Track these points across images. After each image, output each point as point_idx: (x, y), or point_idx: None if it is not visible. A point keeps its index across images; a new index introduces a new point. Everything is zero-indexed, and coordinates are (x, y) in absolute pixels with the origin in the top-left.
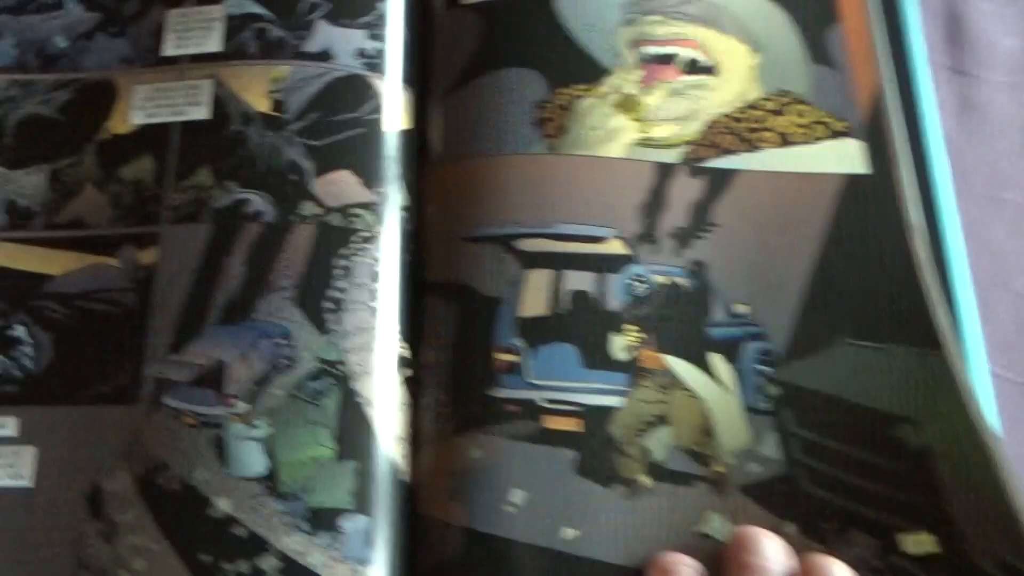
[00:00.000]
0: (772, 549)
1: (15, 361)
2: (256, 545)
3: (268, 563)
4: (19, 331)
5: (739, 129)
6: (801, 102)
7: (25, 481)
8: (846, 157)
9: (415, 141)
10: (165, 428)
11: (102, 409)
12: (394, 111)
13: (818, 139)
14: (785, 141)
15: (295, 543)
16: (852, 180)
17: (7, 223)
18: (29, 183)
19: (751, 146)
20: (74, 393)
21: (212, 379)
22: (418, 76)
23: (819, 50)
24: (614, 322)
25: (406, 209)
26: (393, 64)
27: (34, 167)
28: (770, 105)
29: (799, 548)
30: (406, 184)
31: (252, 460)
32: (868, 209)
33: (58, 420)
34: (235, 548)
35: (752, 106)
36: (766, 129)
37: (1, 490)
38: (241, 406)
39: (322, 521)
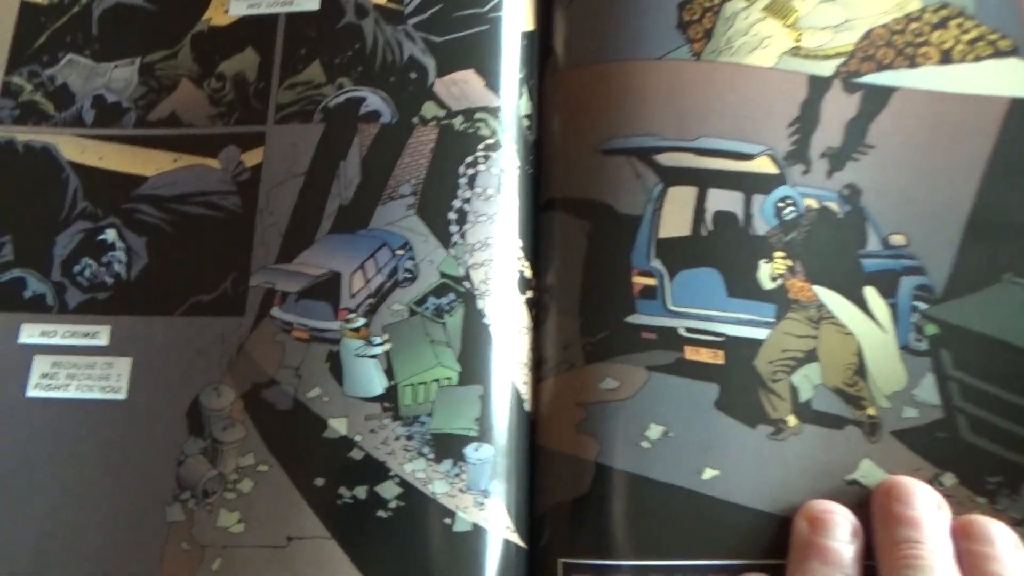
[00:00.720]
0: (925, 500)
1: (106, 267)
2: (375, 470)
3: (387, 490)
4: (110, 235)
5: (897, 42)
6: (963, 15)
7: (120, 394)
8: (1012, 78)
9: (538, 44)
10: (274, 342)
11: (202, 320)
12: (519, 8)
13: (981, 58)
14: (946, 58)
15: (417, 470)
16: (1018, 104)
17: (95, 119)
18: (118, 76)
19: (910, 62)
20: (171, 303)
21: (326, 291)
22: None
23: None
24: (761, 247)
25: (529, 117)
26: None
27: (124, 60)
28: (930, 17)
29: (957, 501)
30: (529, 91)
31: (370, 379)
32: None
33: (154, 331)
34: (352, 473)
35: (911, 17)
36: (926, 44)
37: (95, 402)
38: (358, 320)
39: (445, 448)
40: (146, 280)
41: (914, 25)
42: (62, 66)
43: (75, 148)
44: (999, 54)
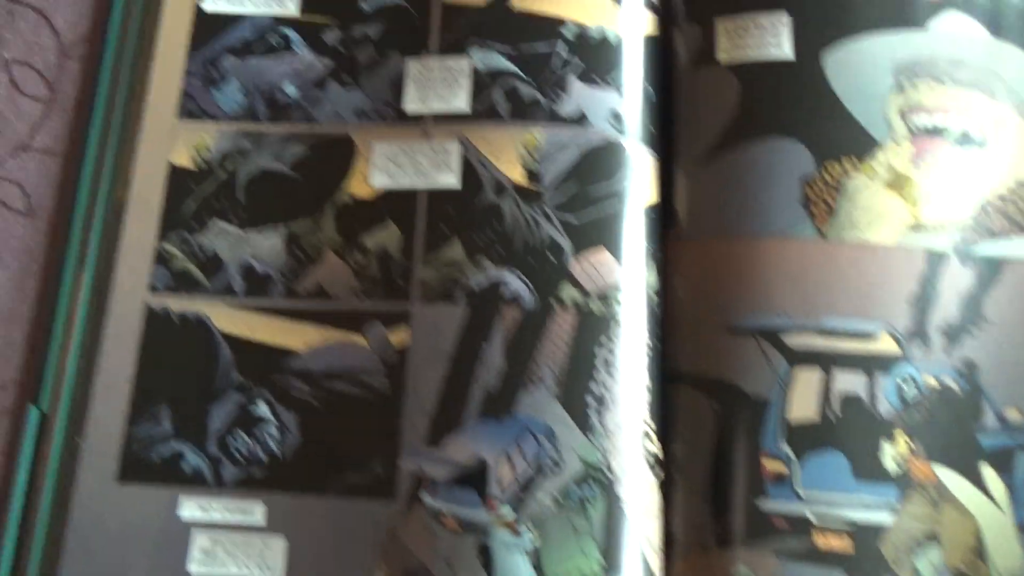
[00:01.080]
0: None
1: (260, 442)
2: None
3: None
4: (262, 409)
5: (1011, 211)
6: None
7: (275, 575)
8: None
9: (661, 214)
10: (425, 529)
11: (355, 502)
12: (646, 182)
13: None
14: None
15: None
16: None
17: (244, 289)
18: (265, 246)
19: (1021, 230)
20: (324, 482)
21: (474, 479)
22: (662, 141)
23: None
24: (885, 429)
25: (657, 292)
26: (634, 127)
27: (269, 228)
28: None
29: None
30: (655, 262)
31: (520, 572)
32: None
33: (308, 510)
34: None
35: (1021, 183)
36: None
37: None
38: (506, 511)
39: None
40: (299, 457)
41: None
42: (211, 233)
43: (227, 319)
44: None
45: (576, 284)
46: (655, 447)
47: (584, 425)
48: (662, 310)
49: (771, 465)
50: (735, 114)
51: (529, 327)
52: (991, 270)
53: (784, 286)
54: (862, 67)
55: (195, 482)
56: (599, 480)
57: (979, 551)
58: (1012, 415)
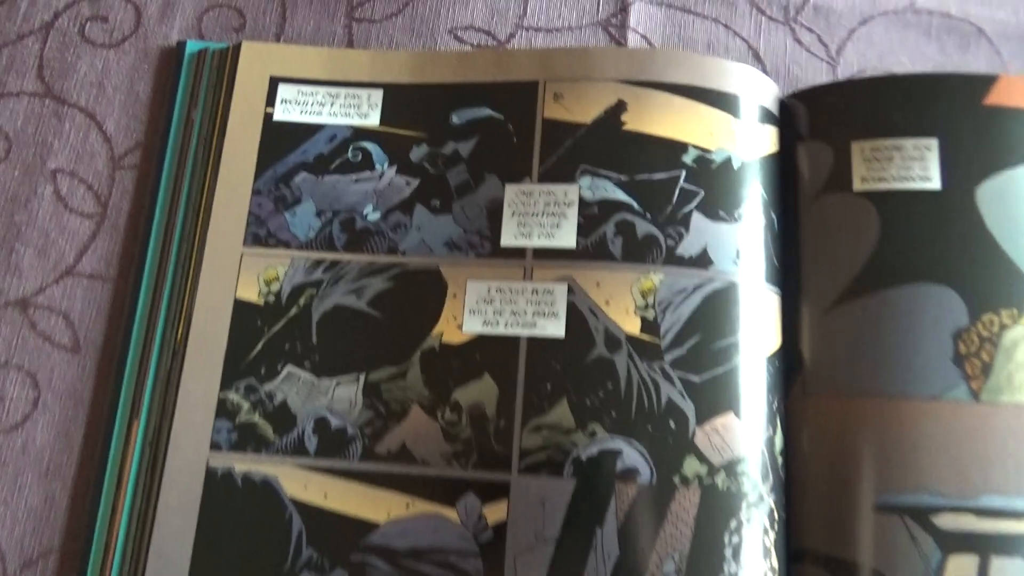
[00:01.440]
0: None
1: None
2: None
3: None
4: None
5: None
6: None
7: None
8: None
9: (783, 360)
10: None
11: None
12: (770, 328)
13: None
14: None
15: None
16: None
17: (318, 447)
18: (341, 396)
19: None
20: None
21: None
22: (785, 279)
23: None
24: None
25: (782, 454)
26: (758, 265)
27: (347, 376)
28: None
29: None
30: (780, 420)
31: None
32: None
33: None
34: None
35: None
36: None
37: None
38: None
39: None
40: None
41: None
42: (280, 381)
43: (298, 483)
44: None
45: (700, 456)
46: None
47: None
48: (787, 473)
49: None
50: (874, 252)
51: (648, 508)
52: None
53: (935, 457)
54: (1020, 201)
55: None
56: None
57: None
58: None
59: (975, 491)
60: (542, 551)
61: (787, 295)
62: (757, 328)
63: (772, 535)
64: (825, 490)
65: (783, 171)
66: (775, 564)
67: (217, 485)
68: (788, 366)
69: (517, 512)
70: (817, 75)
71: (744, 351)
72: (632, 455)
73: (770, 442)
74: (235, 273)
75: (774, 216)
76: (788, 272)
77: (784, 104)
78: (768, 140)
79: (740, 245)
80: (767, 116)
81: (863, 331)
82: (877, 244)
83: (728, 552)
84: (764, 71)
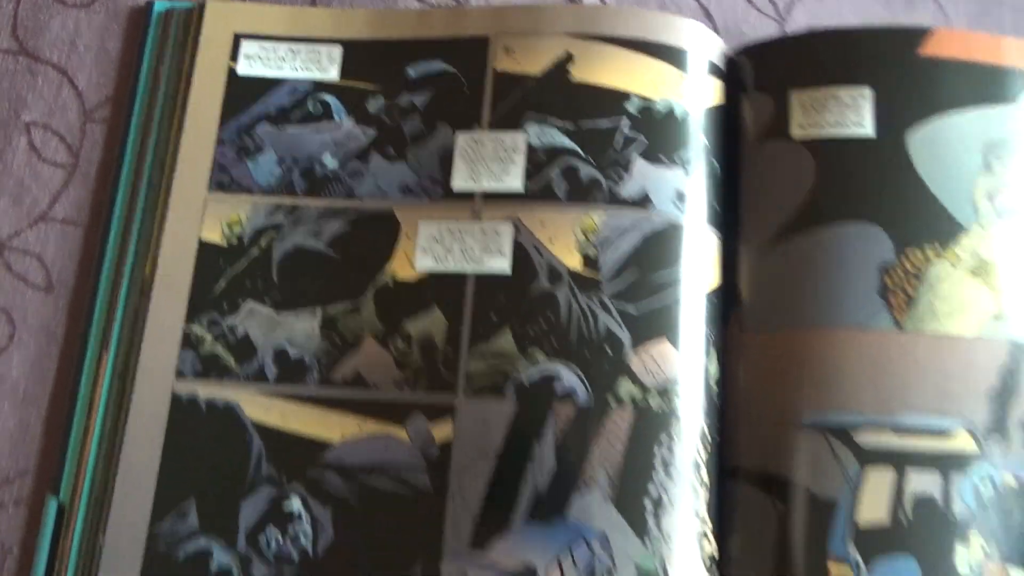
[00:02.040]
0: None
1: (292, 540)
2: None
3: None
4: (295, 504)
5: None
6: None
7: None
8: None
9: (724, 300)
10: None
11: None
12: (708, 265)
13: None
14: None
15: None
16: None
17: (277, 375)
18: (300, 329)
19: None
20: None
21: None
22: (726, 221)
23: None
24: (959, 531)
25: (718, 382)
26: (699, 207)
27: (305, 310)
28: None
29: None
30: (716, 352)
31: None
32: None
33: None
34: None
35: None
36: None
37: None
38: None
39: None
40: (332, 558)
41: None
42: (242, 315)
43: (258, 407)
44: None
45: (635, 379)
46: (712, 547)
47: (640, 530)
48: (722, 400)
49: (837, 570)
50: (809, 194)
51: (583, 425)
52: None
53: (857, 381)
54: (949, 146)
55: None
56: None
57: None
58: None
59: (894, 411)
60: (484, 466)
61: (729, 238)
62: (695, 266)
63: (704, 454)
64: (757, 413)
65: (728, 122)
66: (705, 479)
67: (182, 410)
68: (727, 304)
69: (461, 431)
70: (766, 33)
71: (681, 286)
72: (570, 378)
73: (705, 370)
74: (200, 217)
75: (716, 164)
76: (730, 217)
77: (730, 59)
78: (713, 92)
79: (681, 189)
80: (713, 70)
81: (796, 268)
82: (812, 187)
83: (659, 466)
84: (714, 29)
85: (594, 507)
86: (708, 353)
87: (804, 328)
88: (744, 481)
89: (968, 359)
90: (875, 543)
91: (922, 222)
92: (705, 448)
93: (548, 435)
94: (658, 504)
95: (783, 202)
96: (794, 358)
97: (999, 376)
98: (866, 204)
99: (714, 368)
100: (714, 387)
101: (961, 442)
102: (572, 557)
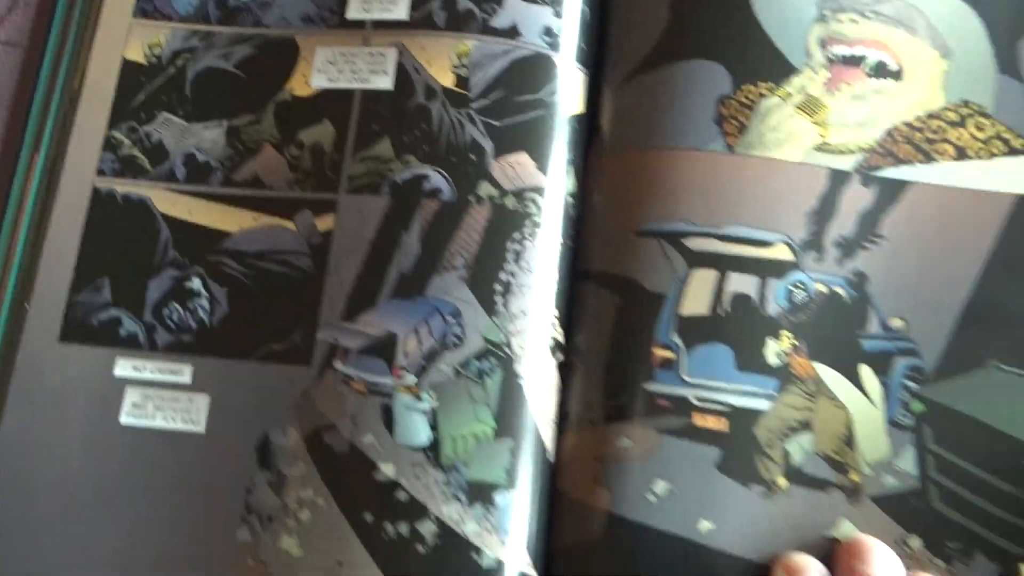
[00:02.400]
0: (882, 562)
1: (192, 312)
2: (416, 510)
3: (426, 528)
4: (195, 283)
5: (917, 139)
6: (983, 114)
7: (198, 427)
8: (1021, 176)
9: (586, 126)
10: (335, 391)
11: (274, 367)
12: (573, 94)
13: (994, 155)
14: (961, 155)
15: (452, 512)
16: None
17: (186, 176)
18: (207, 137)
19: (927, 158)
20: (247, 348)
21: (383, 350)
22: (594, 58)
23: (1008, 61)
24: (771, 327)
25: (573, 195)
26: (570, 44)
27: (213, 121)
28: (951, 116)
29: (920, 562)
30: (574, 169)
31: (417, 431)
32: None
33: (231, 372)
34: (396, 510)
35: (933, 115)
36: (944, 140)
37: (177, 433)
38: (409, 378)
39: (478, 494)
40: (226, 327)
41: (934, 123)
42: (158, 124)
43: (167, 202)
44: (1012, 152)
45: (493, 182)
46: (557, 333)
47: (489, 308)
48: (578, 213)
49: (661, 353)
50: (662, 35)
51: (446, 218)
52: (892, 191)
53: (691, 195)
54: None
55: (130, 345)
56: (499, 356)
57: (848, 440)
58: (895, 323)
59: (721, 223)
60: (359, 250)
61: (596, 78)
62: (558, 93)
63: (554, 253)
64: (606, 223)
65: None
66: (553, 273)
67: (101, 202)
68: (590, 133)
69: (342, 222)
70: None
71: (543, 107)
72: (437, 179)
73: (560, 182)
74: (125, 39)
75: (587, 9)
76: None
77: None
78: None
79: (549, 25)
80: None
81: (645, 99)
82: (664, 29)
83: (510, 257)
84: None
85: (450, 287)
86: (568, 172)
87: (648, 149)
88: (592, 282)
89: (790, 182)
90: (695, 332)
91: (758, 62)
92: (556, 249)
93: (415, 226)
94: (507, 288)
95: (640, 43)
96: (638, 175)
97: (818, 199)
98: (710, 45)
99: (571, 183)
100: (569, 199)
101: (779, 252)
102: (428, 326)
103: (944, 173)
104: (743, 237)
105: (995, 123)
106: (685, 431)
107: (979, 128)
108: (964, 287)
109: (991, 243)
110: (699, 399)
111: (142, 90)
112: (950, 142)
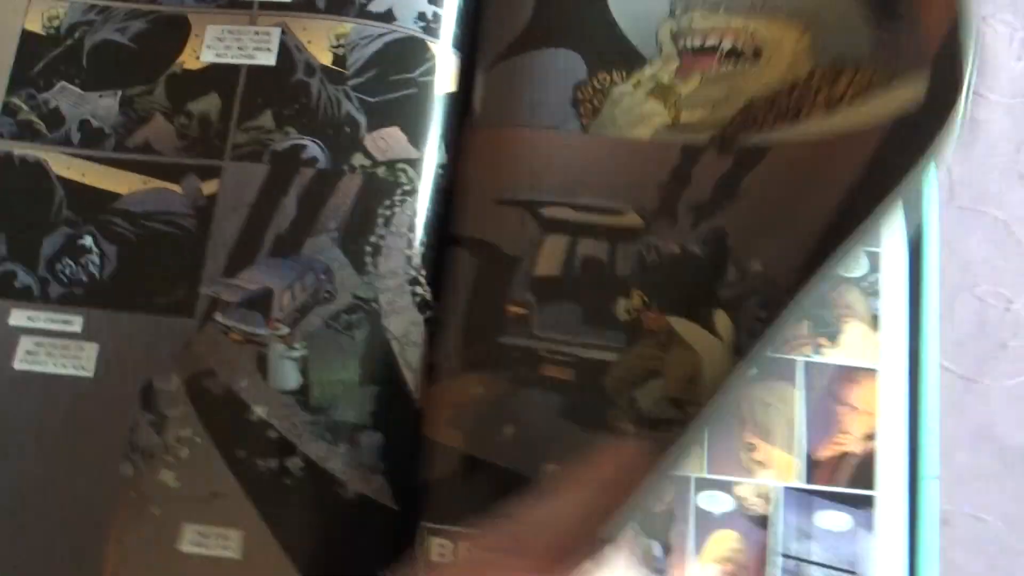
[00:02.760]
0: None
1: (83, 267)
2: (285, 447)
3: (293, 463)
4: (88, 241)
5: (781, 105)
6: (856, 65)
7: (87, 373)
8: (889, 104)
9: (460, 104)
10: (214, 341)
11: (159, 318)
12: (445, 75)
13: (868, 99)
14: (831, 106)
15: (318, 449)
16: (889, 129)
17: (80, 140)
18: (102, 105)
19: (794, 118)
20: (135, 301)
21: (260, 303)
22: (468, 43)
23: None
24: (621, 287)
25: (443, 167)
26: (447, 29)
27: (107, 91)
28: (820, 76)
29: None
30: (446, 144)
31: (288, 376)
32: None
33: (119, 323)
34: (267, 448)
35: (798, 83)
36: (813, 101)
37: (68, 378)
38: (283, 329)
39: (342, 433)
40: (115, 281)
41: (800, 88)
42: (55, 92)
43: (62, 164)
44: (885, 89)
45: (366, 153)
46: (425, 292)
47: (360, 268)
48: (448, 184)
49: (514, 309)
50: (527, 25)
51: (321, 185)
52: (753, 156)
53: (548, 170)
54: None
55: (24, 297)
56: (367, 311)
57: (695, 378)
58: (754, 267)
59: (574, 193)
60: (240, 213)
61: (470, 61)
62: (431, 72)
63: (422, 217)
64: (472, 193)
65: None
66: (420, 236)
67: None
68: (462, 114)
69: (225, 187)
70: None
71: (415, 86)
72: (314, 149)
73: (432, 154)
74: (24, 11)
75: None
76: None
77: None
78: None
79: (424, 11)
80: None
81: (509, 82)
82: (529, 19)
83: (380, 221)
84: None
85: (324, 248)
86: (440, 145)
87: (511, 127)
88: (459, 246)
89: (642, 158)
90: (547, 291)
91: (612, 53)
92: (423, 215)
93: (292, 191)
94: (376, 250)
95: (508, 30)
96: (502, 150)
97: (670, 173)
98: (568, 35)
99: (441, 157)
100: (440, 171)
101: (629, 220)
102: (302, 283)
103: (810, 127)
104: (594, 206)
105: (875, 70)
106: (533, 380)
107: (851, 78)
108: (823, 218)
109: (855, 176)
110: (547, 351)
111: (41, 60)
112: (818, 101)
